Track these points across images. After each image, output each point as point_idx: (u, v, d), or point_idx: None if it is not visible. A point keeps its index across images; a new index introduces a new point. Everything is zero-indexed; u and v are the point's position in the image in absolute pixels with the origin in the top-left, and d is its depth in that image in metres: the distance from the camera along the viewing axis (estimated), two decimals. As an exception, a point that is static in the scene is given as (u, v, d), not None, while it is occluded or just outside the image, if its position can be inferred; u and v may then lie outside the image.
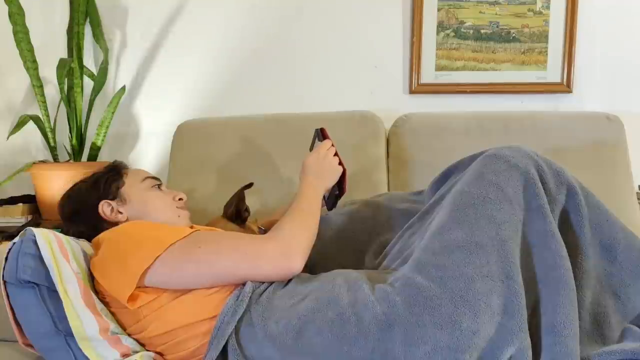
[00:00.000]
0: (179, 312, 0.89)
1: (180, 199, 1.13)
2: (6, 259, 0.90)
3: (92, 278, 0.95)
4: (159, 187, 1.13)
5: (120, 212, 1.07)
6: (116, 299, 0.90)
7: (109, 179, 1.10)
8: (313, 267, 1.08)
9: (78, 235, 1.05)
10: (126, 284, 0.87)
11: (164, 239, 0.91)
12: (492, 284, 0.80)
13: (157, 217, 1.07)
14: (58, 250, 0.91)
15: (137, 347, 0.90)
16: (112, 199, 1.08)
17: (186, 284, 0.90)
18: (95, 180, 1.10)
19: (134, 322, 0.91)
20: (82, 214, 1.08)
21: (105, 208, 1.06)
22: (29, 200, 1.71)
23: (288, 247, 0.92)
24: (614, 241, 0.94)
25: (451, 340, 0.77)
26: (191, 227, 1.07)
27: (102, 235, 0.98)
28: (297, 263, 0.91)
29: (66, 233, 1.05)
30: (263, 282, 0.93)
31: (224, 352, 0.86)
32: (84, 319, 0.86)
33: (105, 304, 0.94)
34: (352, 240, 1.19)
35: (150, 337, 0.90)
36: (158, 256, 0.88)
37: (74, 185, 1.13)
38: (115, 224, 1.05)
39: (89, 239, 1.04)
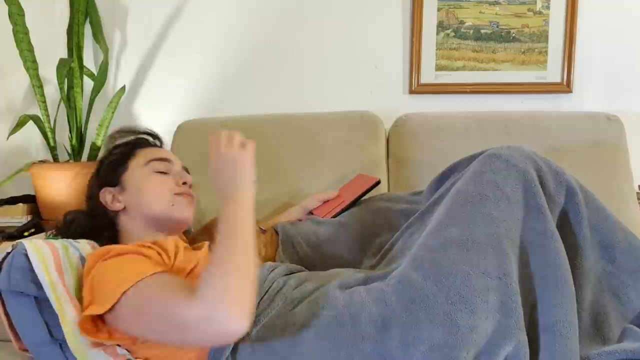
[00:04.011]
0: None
1: (184, 183, 1.07)
2: (0, 268, 0.89)
3: None
4: (164, 172, 1.07)
5: (119, 201, 1.05)
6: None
7: (114, 162, 1.08)
8: (312, 268, 1.08)
9: (81, 230, 1.05)
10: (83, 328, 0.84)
11: (120, 286, 0.80)
12: (488, 281, 0.80)
13: (149, 207, 1.03)
14: (52, 263, 0.90)
15: (133, 357, 0.89)
16: (114, 186, 1.06)
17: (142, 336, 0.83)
18: (99, 166, 1.09)
19: (125, 346, 0.88)
20: (90, 202, 1.09)
21: (107, 196, 1.05)
22: (29, 200, 1.72)
23: (214, 308, 0.70)
24: (614, 241, 0.94)
25: (448, 338, 0.77)
26: (185, 231, 1.03)
27: (84, 270, 0.91)
28: (236, 323, 0.70)
29: (70, 226, 1.05)
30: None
31: None
32: (78, 331, 0.85)
33: None
34: (350, 240, 1.19)
35: (144, 357, 0.88)
36: (112, 307, 0.79)
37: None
38: (116, 213, 1.05)
39: (95, 234, 1.03)
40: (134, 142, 1.13)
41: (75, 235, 1.04)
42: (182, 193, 1.07)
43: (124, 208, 1.05)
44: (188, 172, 1.13)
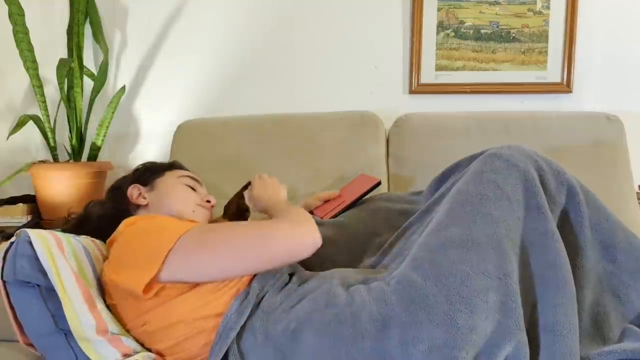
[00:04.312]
0: (182, 307, 0.88)
1: (208, 201, 1.15)
2: (4, 259, 0.89)
3: (95, 275, 0.95)
4: (192, 188, 1.15)
5: (144, 198, 1.10)
6: (128, 290, 0.88)
7: (152, 167, 1.17)
8: (312, 268, 1.08)
9: (97, 220, 1.08)
10: (145, 271, 0.86)
11: (175, 230, 0.91)
12: (488, 281, 0.80)
13: (170, 208, 1.08)
14: (56, 248, 0.90)
15: (138, 347, 0.90)
16: (144, 185, 1.12)
17: (203, 270, 0.88)
18: (136, 167, 1.18)
19: (136, 316, 0.90)
20: (115, 192, 1.13)
21: (133, 191, 1.10)
22: (29, 200, 1.72)
23: (298, 222, 0.91)
24: (614, 241, 0.94)
25: (448, 338, 0.77)
26: None
27: (117, 232, 0.99)
28: (313, 233, 0.89)
29: (90, 211, 1.10)
30: (275, 271, 0.93)
31: (224, 355, 0.86)
32: (82, 318, 0.86)
33: (109, 297, 0.93)
34: (350, 240, 1.18)
35: (151, 332, 0.89)
36: (171, 249, 0.87)
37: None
38: (136, 207, 1.10)
39: (107, 224, 1.05)
40: (173, 162, 1.23)
41: (89, 226, 1.09)
42: (203, 206, 1.14)
43: (147, 205, 1.10)
44: None
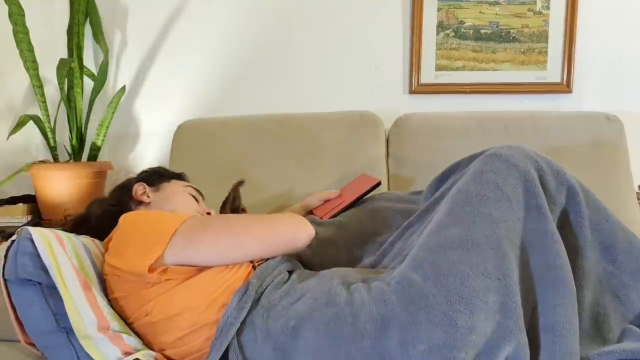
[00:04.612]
0: (184, 296, 0.89)
1: (208, 213, 1.18)
2: (6, 257, 0.89)
3: (96, 272, 0.95)
4: (195, 199, 1.19)
5: (148, 196, 1.14)
6: (132, 272, 0.89)
7: (162, 172, 1.22)
8: (312, 268, 1.09)
9: (96, 219, 1.10)
10: (151, 250, 0.88)
11: (177, 217, 0.95)
12: (488, 281, 0.80)
13: (171, 209, 1.11)
14: (57, 245, 0.91)
15: (139, 346, 0.90)
16: (150, 185, 1.17)
17: (205, 253, 0.91)
18: (146, 170, 1.23)
19: (139, 307, 0.90)
20: (120, 189, 1.18)
21: (138, 187, 1.15)
22: (29, 200, 1.72)
23: (293, 216, 0.99)
24: (614, 241, 0.94)
25: (447, 338, 0.76)
26: None
27: (116, 227, 1.00)
28: (307, 225, 0.98)
29: (90, 208, 1.13)
30: (272, 260, 0.97)
31: (224, 351, 0.86)
32: (84, 315, 0.86)
33: (111, 291, 0.93)
34: (350, 240, 1.19)
35: (154, 323, 0.89)
36: (175, 230, 0.90)
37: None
38: (138, 204, 1.13)
39: (106, 222, 1.06)
40: (181, 173, 1.28)
41: (88, 224, 1.10)
42: (203, 215, 1.15)
43: (149, 203, 1.14)
44: None
